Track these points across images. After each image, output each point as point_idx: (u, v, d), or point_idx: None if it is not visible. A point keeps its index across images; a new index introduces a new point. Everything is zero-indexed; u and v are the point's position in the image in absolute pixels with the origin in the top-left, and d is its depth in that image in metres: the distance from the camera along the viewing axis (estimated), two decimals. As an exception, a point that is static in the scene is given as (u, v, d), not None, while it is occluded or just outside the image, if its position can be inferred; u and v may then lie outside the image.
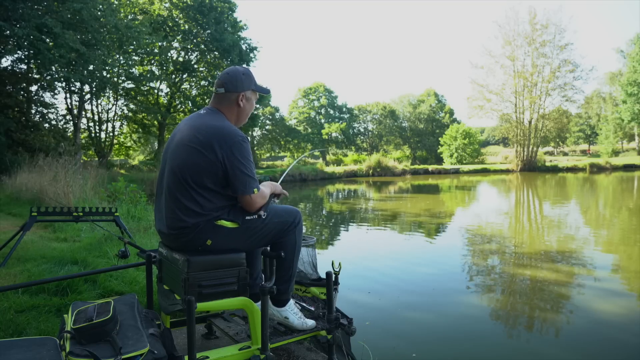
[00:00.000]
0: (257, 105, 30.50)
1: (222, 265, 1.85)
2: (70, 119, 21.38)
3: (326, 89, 48.04)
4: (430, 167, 36.85)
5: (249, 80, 2.06)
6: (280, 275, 2.06)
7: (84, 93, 21.59)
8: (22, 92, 17.02)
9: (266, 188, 2.10)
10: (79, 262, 3.91)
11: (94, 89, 20.66)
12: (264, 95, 2.24)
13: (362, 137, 51.19)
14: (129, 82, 23.40)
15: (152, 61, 25.61)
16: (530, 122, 36.95)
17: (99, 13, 16.96)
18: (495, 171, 35.56)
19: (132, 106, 26.17)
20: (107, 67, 18.53)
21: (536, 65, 36.08)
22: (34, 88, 17.65)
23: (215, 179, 1.86)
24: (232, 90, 2.02)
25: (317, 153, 43.04)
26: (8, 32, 13.51)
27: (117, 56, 20.04)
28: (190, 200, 1.86)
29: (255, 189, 1.91)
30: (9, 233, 4.96)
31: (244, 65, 27.61)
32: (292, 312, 2.16)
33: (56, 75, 16.54)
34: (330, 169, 33.73)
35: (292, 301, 2.19)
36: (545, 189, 20.70)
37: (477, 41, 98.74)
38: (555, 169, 34.66)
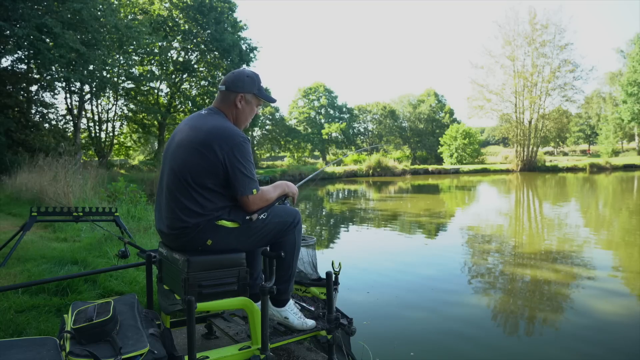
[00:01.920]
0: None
1: (222, 265, 1.85)
2: (70, 119, 21.40)
3: (326, 89, 48.04)
4: (430, 167, 36.85)
5: (251, 83, 2.03)
6: (279, 275, 2.06)
7: (84, 93, 21.61)
8: (22, 92, 17.03)
9: (275, 189, 2.07)
10: (79, 262, 3.91)
11: (94, 89, 20.67)
12: (268, 103, 2.20)
13: (362, 137, 51.19)
14: (129, 82, 23.41)
15: (152, 61, 25.62)
16: (530, 122, 36.95)
17: (99, 13, 16.96)
18: (495, 171, 35.56)
19: (132, 106, 26.19)
20: (107, 67, 18.54)
21: (536, 65, 36.09)
22: (34, 88, 17.68)
23: (216, 179, 1.86)
24: (232, 90, 2.00)
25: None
26: (8, 32, 13.51)
27: (117, 56, 20.04)
28: (190, 201, 1.85)
29: (255, 190, 1.90)
30: (9, 233, 4.96)
31: (244, 66, 27.74)
32: (292, 312, 2.16)
33: (56, 75, 16.54)
34: (330, 169, 33.70)
35: (291, 301, 2.19)
36: (545, 189, 20.70)
37: (477, 41, 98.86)
38: (555, 169, 34.66)
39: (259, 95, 2.07)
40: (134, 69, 23.25)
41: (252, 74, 2.07)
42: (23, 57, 15.97)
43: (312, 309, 2.38)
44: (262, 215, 1.98)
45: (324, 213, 13.54)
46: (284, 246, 2.05)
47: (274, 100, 2.19)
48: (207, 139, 1.86)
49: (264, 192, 1.96)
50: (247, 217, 1.92)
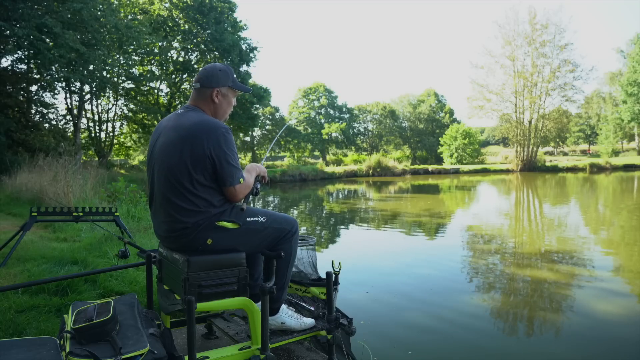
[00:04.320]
0: (257, 105, 30.48)
1: (222, 265, 1.85)
2: (70, 119, 21.39)
3: (326, 89, 48.01)
4: (430, 167, 36.84)
5: (225, 77, 2.04)
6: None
7: (84, 93, 21.59)
8: (22, 92, 17.02)
9: (250, 173, 2.08)
10: (79, 262, 3.91)
11: (94, 89, 20.66)
12: (244, 93, 2.21)
13: (362, 137, 51.18)
14: (129, 82, 23.40)
15: (152, 61, 25.61)
16: (530, 122, 36.92)
17: (99, 13, 16.96)
18: (495, 171, 35.55)
19: (132, 106, 26.17)
20: (107, 67, 18.52)
21: (536, 65, 36.06)
22: (34, 88, 17.66)
23: (206, 173, 1.86)
24: (207, 86, 2.01)
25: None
26: (8, 32, 13.51)
27: (117, 56, 20.02)
28: (185, 201, 1.85)
29: (241, 179, 1.93)
30: (9, 233, 4.95)
31: (245, 66, 27.75)
32: (287, 316, 2.17)
33: (56, 75, 16.53)
34: (330, 169, 33.72)
35: (284, 305, 2.19)
36: (545, 189, 20.69)
37: (477, 41, 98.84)
38: (555, 169, 34.64)
39: (234, 87, 2.08)
40: (134, 69, 23.23)
41: (224, 67, 2.08)
42: (23, 57, 15.95)
43: (312, 309, 2.38)
44: (262, 219, 1.99)
45: (324, 213, 13.54)
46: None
47: (249, 90, 2.21)
48: (191, 134, 1.86)
49: (245, 179, 1.98)
50: (240, 208, 1.93)
